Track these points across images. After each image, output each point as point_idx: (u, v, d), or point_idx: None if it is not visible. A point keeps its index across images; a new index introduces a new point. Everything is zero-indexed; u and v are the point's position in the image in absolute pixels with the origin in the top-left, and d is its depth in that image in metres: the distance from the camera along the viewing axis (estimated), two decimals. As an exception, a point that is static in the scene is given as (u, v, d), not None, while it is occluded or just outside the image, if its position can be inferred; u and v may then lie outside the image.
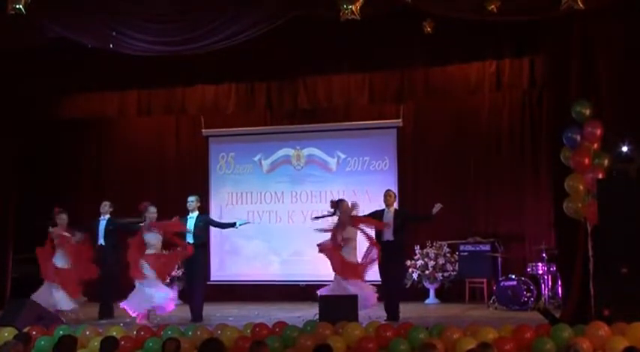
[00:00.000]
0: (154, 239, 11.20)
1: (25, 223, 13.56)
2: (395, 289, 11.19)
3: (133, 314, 10.98)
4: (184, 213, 11.61)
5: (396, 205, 11.51)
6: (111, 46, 10.71)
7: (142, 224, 11.26)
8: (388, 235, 11.06)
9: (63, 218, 11.68)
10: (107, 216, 12.09)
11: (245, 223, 12.35)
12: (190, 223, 11.50)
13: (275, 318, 9.77)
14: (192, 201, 11.66)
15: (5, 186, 13.52)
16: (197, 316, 11.28)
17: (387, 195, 11.35)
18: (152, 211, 11.33)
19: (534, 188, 13.33)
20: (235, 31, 10.33)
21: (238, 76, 13.27)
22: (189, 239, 11.42)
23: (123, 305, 11.06)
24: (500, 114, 13.76)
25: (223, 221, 12.95)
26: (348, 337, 7.94)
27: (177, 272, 13.31)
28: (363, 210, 11.58)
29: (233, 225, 12.18)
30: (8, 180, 13.60)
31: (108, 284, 11.86)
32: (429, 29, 10.88)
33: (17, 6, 9.32)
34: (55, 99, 14.01)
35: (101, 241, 12.00)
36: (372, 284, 11.05)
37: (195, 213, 11.60)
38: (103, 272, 11.68)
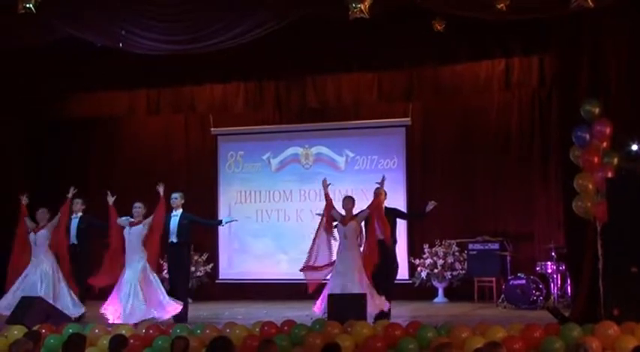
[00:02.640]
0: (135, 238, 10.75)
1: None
2: (386, 288, 10.84)
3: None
4: (190, 212, 11.52)
5: (386, 203, 11.08)
6: (120, 45, 10.72)
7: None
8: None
9: (43, 212, 11.49)
10: (79, 214, 11.77)
11: (231, 221, 12.22)
12: (174, 221, 11.15)
13: (283, 317, 9.77)
14: (176, 197, 11.27)
15: (14, 186, 13.54)
16: (182, 317, 10.78)
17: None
18: (137, 206, 10.96)
19: (543, 187, 13.30)
20: (243, 30, 10.33)
21: (247, 74, 13.30)
22: (173, 238, 11.04)
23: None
24: (510, 113, 13.73)
25: (209, 219, 12.77)
26: (356, 336, 7.93)
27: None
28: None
29: (219, 223, 12.03)
30: (17, 179, 13.63)
31: (79, 284, 11.46)
32: (438, 27, 10.87)
33: (27, 5, 9.35)
34: (64, 98, 14.08)
35: (73, 240, 11.64)
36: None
37: (179, 211, 11.24)
38: (75, 272, 11.37)
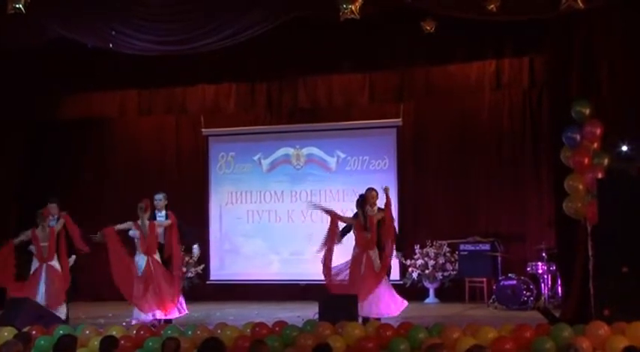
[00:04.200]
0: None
1: (26, 223, 13.55)
2: None
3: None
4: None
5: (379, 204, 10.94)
6: (111, 45, 10.70)
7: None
8: None
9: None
10: (56, 217, 11.36)
11: (198, 251, 11.75)
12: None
13: (275, 317, 9.77)
14: (159, 199, 11.09)
15: (7, 186, 13.52)
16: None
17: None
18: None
19: (534, 187, 13.33)
20: (235, 31, 10.32)
21: (238, 75, 13.28)
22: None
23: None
24: (501, 114, 13.76)
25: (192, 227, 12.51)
26: (347, 336, 7.93)
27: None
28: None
29: (192, 242, 11.62)
30: (10, 179, 13.60)
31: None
32: (428, 29, 10.90)
33: (17, 5, 9.30)
34: (56, 99, 14.03)
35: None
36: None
37: (163, 212, 11.11)
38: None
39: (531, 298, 12.04)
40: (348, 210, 13.82)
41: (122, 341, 7.65)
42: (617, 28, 9.98)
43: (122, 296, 10.95)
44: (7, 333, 8.30)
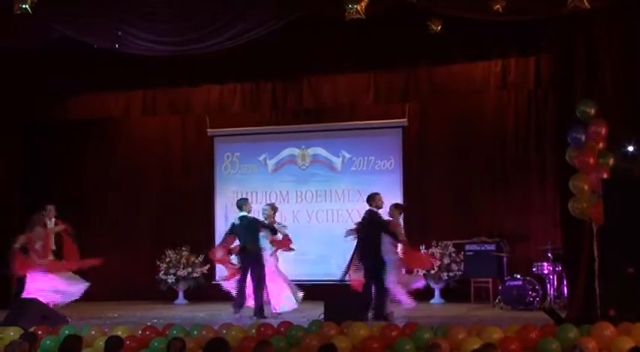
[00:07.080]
0: None
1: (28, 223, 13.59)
2: (378, 288, 11.01)
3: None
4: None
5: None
6: (117, 46, 10.72)
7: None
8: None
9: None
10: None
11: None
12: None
13: (280, 318, 9.75)
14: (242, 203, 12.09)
15: (10, 186, 13.55)
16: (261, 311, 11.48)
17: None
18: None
19: (540, 187, 13.31)
20: (240, 31, 10.34)
21: (243, 75, 13.29)
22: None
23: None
24: (506, 114, 13.73)
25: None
26: (353, 337, 7.93)
27: None
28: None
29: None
30: (13, 179, 13.63)
31: None
32: (434, 28, 10.89)
33: (23, 6, 9.33)
34: (61, 99, 14.05)
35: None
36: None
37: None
38: None
39: (537, 298, 12.02)
40: (354, 210, 13.87)
41: (127, 342, 7.67)
42: (622, 28, 9.97)
43: (128, 297, 11.06)
44: (13, 333, 8.33)
